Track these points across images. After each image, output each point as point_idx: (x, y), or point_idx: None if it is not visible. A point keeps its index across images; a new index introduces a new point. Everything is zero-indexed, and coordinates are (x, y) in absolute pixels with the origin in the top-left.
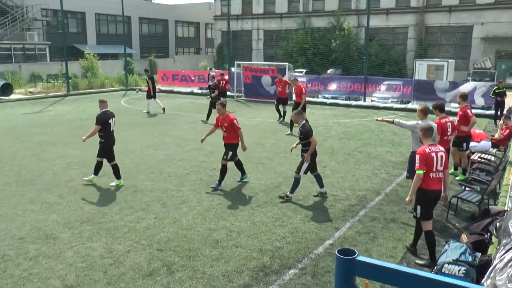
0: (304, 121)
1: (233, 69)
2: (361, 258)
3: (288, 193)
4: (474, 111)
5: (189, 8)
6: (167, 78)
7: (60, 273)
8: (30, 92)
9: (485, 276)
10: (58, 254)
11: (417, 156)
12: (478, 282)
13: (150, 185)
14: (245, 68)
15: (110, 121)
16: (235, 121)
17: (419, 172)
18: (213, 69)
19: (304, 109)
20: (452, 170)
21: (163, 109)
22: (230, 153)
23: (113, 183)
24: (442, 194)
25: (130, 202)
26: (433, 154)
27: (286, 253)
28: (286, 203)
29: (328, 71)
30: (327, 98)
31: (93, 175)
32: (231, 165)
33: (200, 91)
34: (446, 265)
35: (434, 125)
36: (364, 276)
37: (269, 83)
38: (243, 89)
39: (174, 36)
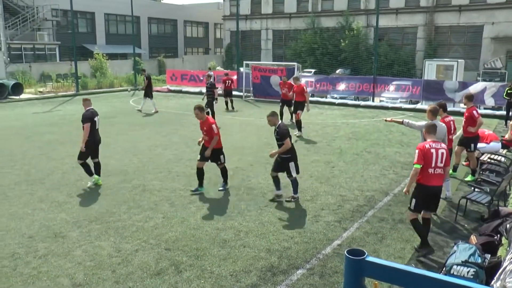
0: (280, 122)
1: (242, 69)
2: (370, 258)
3: (292, 194)
4: (484, 111)
5: (198, 8)
6: (176, 78)
7: (68, 271)
8: (40, 91)
9: (495, 278)
10: (67, 253)
11: (416, 151)
12: (487, 284)
13: (158, 184)
14: (254, 68)
15: (95, 118)
16: (213, 125)
17: (416, 166)
18: (213, 68)
19: (302, 108)
20: (450, 172)
21: (140, 110)
22: (221, 156)
23: (90, 183)
24: None
25: (138, 202)
26: (433, 151)
27: (294, 253)
28: (294, 203)
29: (337, 71)
30: (336, 98)
31: (95, 177)
32: (238, 164)
33: None
34: (455, 267)
35: (443, 125)
36: (373, 276)
37: (278, 83)
38: (251, 89)
39: (183, 36)
